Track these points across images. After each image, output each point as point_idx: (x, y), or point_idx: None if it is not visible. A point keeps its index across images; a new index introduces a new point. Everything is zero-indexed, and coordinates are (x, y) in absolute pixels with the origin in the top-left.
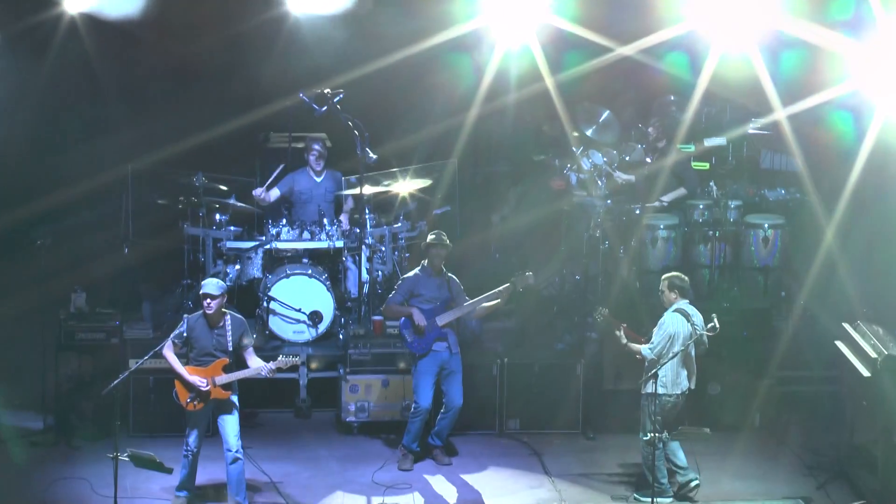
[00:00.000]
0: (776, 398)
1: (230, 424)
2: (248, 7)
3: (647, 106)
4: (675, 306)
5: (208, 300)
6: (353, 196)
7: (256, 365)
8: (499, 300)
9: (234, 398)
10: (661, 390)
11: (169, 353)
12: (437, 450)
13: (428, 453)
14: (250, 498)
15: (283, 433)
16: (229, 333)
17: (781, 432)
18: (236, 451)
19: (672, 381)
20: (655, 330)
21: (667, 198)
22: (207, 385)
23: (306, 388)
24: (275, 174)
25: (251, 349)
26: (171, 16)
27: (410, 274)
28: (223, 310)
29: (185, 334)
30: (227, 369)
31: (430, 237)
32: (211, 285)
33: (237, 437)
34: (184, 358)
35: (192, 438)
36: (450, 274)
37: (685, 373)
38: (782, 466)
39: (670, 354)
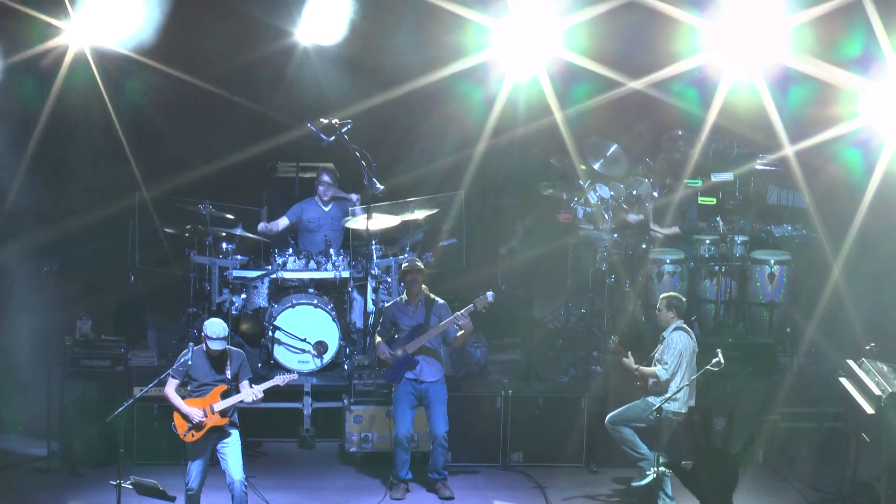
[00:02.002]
0: (780, 434)
1: (232, 456)
2: (257, 37)
3: (656, 140)
4: (674, 325)
5: (213, 343)
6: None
7: (245, 391)
8: (462, 329)
9: (235, 430)
10: (674, 406)
11: (170, 390)
12: (438, 483)
13: (430, 487)
14: None
15: (286, 463)
16: (229, 363)
17: (785, 468)
18: (240, 483)
19: (684, 399)
20: (662, 350)
21: (659, 230)
22: (204, 416)
23: (310, 418)
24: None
25: (247, 381)
26: (180, 45)
27: (389, 304)
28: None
29: (189, 362)
30: (225, 395)
31: (404, 264)
32: (218, 328)
33: (240, 468)
34: (183, 389)
35: (194, 475)
36: (435, 297)
37: (691, 390)
38: (786, 503)
39: (682, 371)
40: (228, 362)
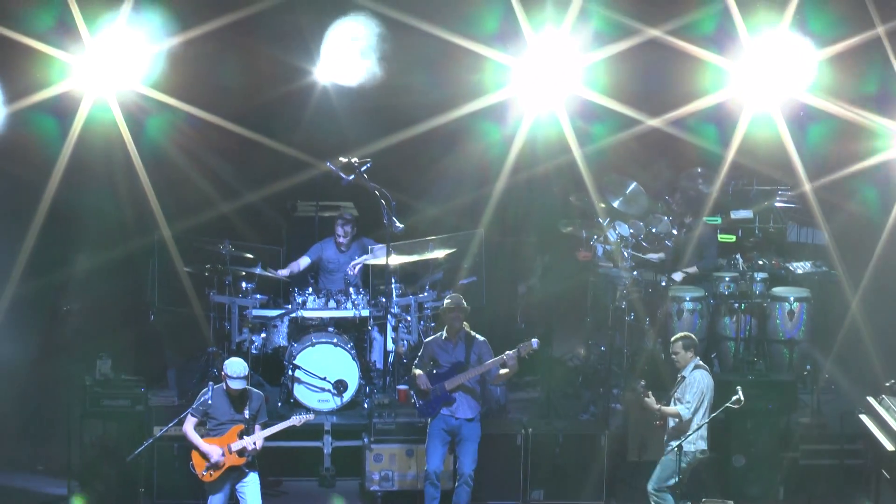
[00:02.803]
0: (800, 471)
1: (251, 495)
2: (276, 76)
3: (675, 178)
4: (693, 363)
5: (233, 383)
6: (376, 265)
7: (258, 433)
8: (506, 368)
9: (254, 472)
10: (701, 445)
11: (189, 427)
12: None
13: None
14: None
15: (306, 502)
16: (248, 403)
17: None
18: None
19: (706, 436)
20: (684, 389)
21: (677, 276)
22: (222, 455)
23: (330, 456)
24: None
25: (259, 425)
26: (198, 84)
27: (430, 338)
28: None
29: (209, 401)
30: (242, 435)
31: (447, 301)
32: (238, 367)
33: None
34: (202, 428)
35: None
36: (476, 335)
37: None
38: None
39: (703, 410)
40: (248, 402)
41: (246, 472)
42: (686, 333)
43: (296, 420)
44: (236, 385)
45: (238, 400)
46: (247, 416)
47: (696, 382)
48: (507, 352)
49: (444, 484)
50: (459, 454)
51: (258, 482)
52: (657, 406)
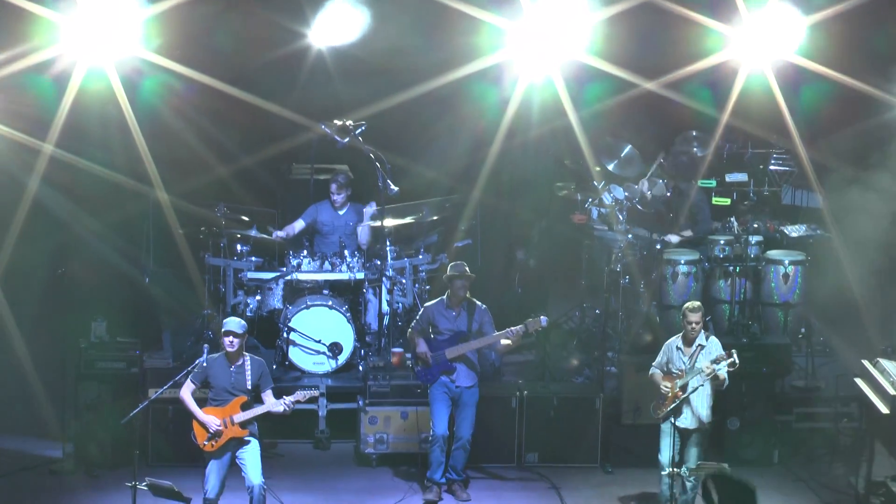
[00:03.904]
0: (795, 434)
1: (251, 461)
2: (271, 39)
3: (670, 140)
4: (704, 332)
5: (231, 338)
6: (374, 228)
7: (268, 401)
8: (509, 341)
9: (254, 438)
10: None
11: (186, 393)
12: (456, 484)
13: (448, 488)
14: None
15: (301, 464)
16: (248, 373)
17: (800, 469)
18: (259, 487)
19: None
20: (707, 356)
21: (673, 238)
22: (222, 426)
23: (325, 419)
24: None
25: (270, 391)
26: (193, 48)
27: (431, 303)
28: (244, 351)
29: (205, 366)
30: (245, 407)
31: (451, 269)
32: (233, 323)
33: (258, 473)
34: (203, 400)
35: (212, 484)
36: (477, 302)
37: None
38: (800, 503)
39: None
40: (248, 371)
41: (247, 440)
42: (697, 303)
43: (300, 395)
44: (234, 327)
45: (238, 369)
46: (248, 388)
47: (717, 346)
48: (514, 327)
49: None
50: (458, 419)
51: (259, 449)
52: (723, 376)
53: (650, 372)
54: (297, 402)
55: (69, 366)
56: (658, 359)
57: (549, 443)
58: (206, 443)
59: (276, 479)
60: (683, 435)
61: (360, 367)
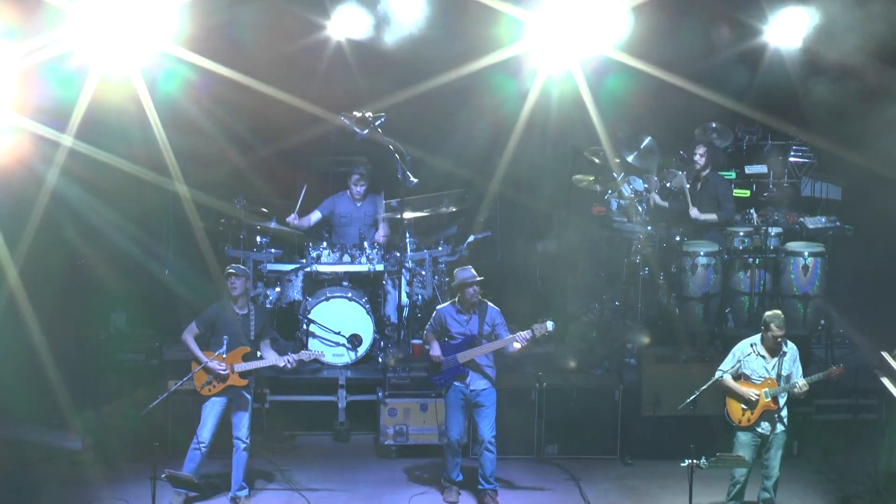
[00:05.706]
0: (814, 426)
1: (242, 416)
2: (291, 30)
3: (689, 132)
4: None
5: (232, 279)
6: (391, 221)
7: (269, 355)
8: (519, 345)
9: (249, 393)
10: None
11: (188, 336)
12: (487, 495)
13: (479, 499)
14: None
15: (321, 456)
16: (253, 322)
17: (819, 460)
18: (245, 440)
19: None
20: (793, 364)
21: (698, 215)
22: (226, 370)
23: (345, 411)
24: (300, 197)
25: (268, 341)
26: (213, 40)
27: (443, 306)
28: (249, 302)
29: (213, 315)
30: (247, 358)
31: (459, 276)
32: (233, 267)
33: (247, 427)
34: (204, 345)
35: (206, 432)
36: (490, 304)
37: None
38: (819, 494)
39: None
40: (253, 322)
41: (244, 394)
42: (782, 315)
43: (305, 355)
44: (231, 282)
45: (244, 319)
46: (252, 336)
47: (796, 351)
48: (521, 332)
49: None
50: (478, 420)
51: (250, 407)
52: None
53: (719, 376)
54: (301, 360)
55: (89, 357)
56: (728, 364)
57: (569, 435)
58: (203, 386)
59: (295, 470)
60: (764, 439)
61: (380, 359)
